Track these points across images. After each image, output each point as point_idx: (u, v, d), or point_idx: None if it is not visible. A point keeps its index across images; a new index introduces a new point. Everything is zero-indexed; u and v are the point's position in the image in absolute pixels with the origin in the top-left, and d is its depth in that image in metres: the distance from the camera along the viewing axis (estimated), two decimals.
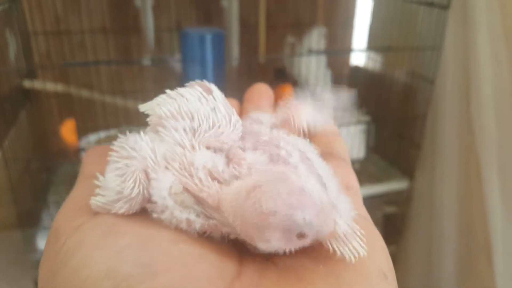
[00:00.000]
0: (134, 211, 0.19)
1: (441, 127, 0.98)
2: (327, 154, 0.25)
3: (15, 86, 0.85)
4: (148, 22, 0.91)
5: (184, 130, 0.19)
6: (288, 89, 1.04)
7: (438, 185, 1.00)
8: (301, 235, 0.16)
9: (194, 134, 0.19)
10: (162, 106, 0.20)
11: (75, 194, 0.21)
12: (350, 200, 0.19)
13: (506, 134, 0.83)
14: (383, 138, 1.14)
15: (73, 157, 0.92)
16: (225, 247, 0.19)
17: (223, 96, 0.22)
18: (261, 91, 0.32)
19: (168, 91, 0.21)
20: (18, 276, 0.91)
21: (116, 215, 0.19)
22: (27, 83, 0.86)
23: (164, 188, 0.18)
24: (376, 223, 0.21)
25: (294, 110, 0.23)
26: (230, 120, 0.20)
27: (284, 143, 0.20)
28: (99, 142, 0.89)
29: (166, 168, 0.19)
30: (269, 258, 0.18)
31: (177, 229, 0.18)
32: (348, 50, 1.23)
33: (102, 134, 0.91)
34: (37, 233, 0.83)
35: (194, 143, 0.19)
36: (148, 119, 0.21)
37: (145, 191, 0.19)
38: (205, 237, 0.18)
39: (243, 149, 0.20)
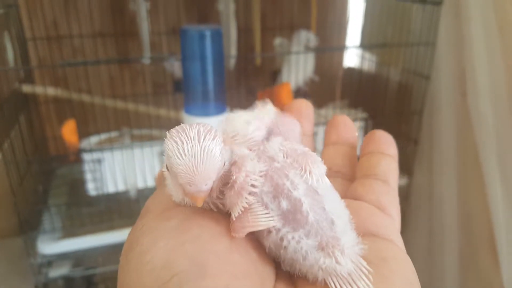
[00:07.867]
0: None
1: (437, 121, 0.99)
2: (366, 176, 0.26)
3: (13, 90, 0.85)
4: (144, 25, 0.91)
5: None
6: (286, 89, 1.05)
7: (437, 179, 1.00)
8: None
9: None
10: None
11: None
12: (355, 235, 0.20)
13: (504, 125, 0.83)
14: None
15: (73, 158, 0.91)
16: (265, 260, 0.20)
17: None
18: (301, 110, 0.29)
19: None
20: (19, 283, 0.90)
21: (193, 208, 0.20)
22: (26, 88, 0.86)
23: None
24: None
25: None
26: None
27: (293, 174, 0.20)
28: (100, 143, 0.88)
29: None
30: (293, 282, 0.20)
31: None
32: (342, 47, 1.25)
33: (103, 136, 0.91)
34: (38, 237, 0.82)
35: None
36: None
37: None
38: (255, 253, 0.20)
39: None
